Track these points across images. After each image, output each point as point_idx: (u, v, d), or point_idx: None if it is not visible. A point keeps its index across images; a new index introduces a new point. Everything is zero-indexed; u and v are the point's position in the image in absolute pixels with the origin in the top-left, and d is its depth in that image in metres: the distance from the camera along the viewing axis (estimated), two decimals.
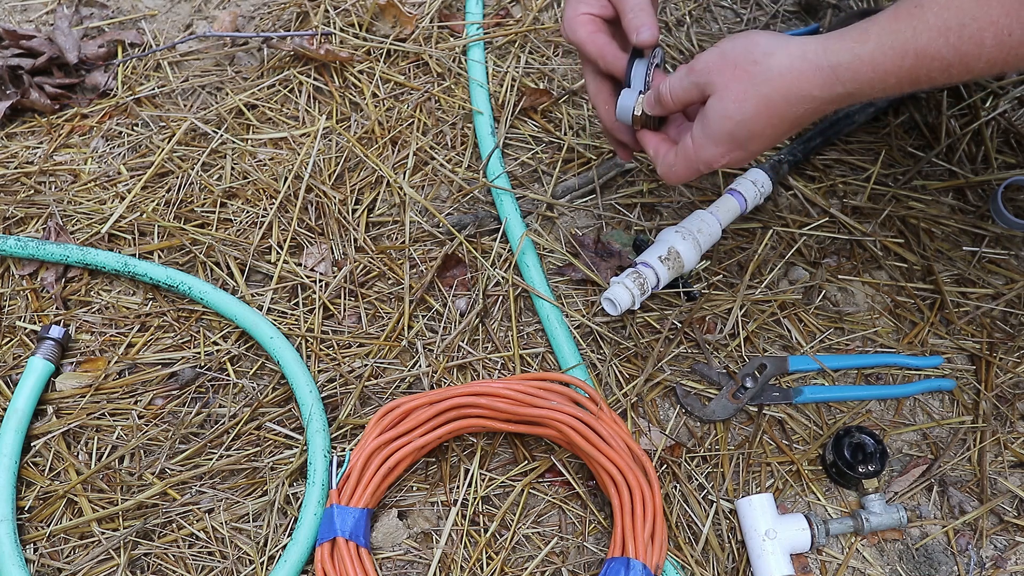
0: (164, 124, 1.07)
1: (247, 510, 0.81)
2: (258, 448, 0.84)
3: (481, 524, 0.80)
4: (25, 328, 0.92)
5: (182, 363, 0.89)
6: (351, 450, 0.81)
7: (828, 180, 0.99)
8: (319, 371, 0.88)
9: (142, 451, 0.85)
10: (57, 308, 0.93)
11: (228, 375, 0.89)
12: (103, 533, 0.80)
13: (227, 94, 1.09)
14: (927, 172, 1.00)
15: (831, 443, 0.81)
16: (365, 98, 1.07)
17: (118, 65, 1.12)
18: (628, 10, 0.73)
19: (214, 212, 0.99)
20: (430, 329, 0.91)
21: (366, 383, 0.87)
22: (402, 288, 0.93)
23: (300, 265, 0.95)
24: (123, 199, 1.00)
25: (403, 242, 0.96)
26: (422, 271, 0.94)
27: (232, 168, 1.02)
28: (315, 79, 1.09)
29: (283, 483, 0.81)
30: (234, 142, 1.04)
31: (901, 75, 0.59)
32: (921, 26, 0.57)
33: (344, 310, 0.92)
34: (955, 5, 0.56)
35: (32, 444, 0.85)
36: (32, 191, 1.02)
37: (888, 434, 0.85)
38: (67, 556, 0.80)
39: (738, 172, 0.96)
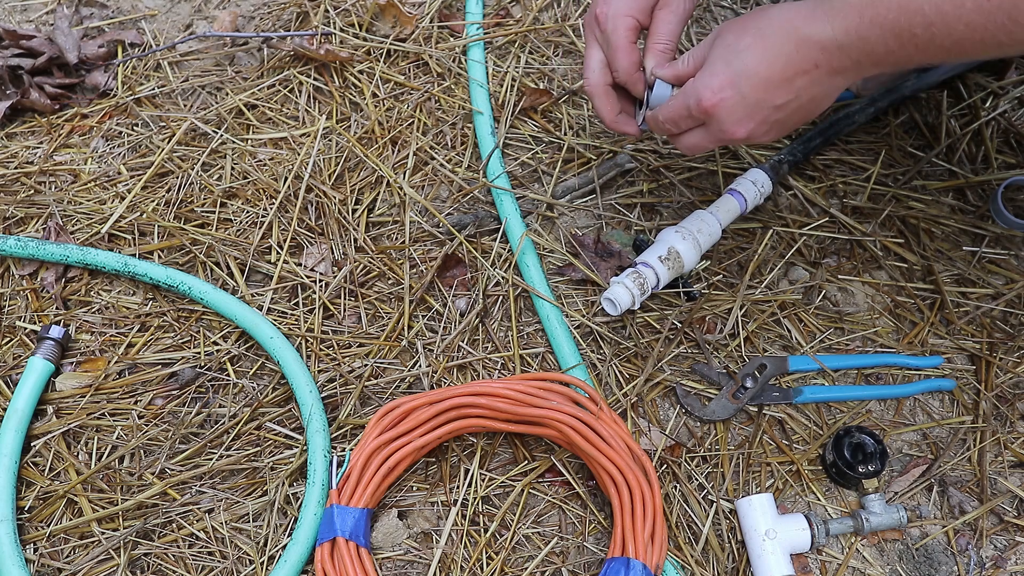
0: (164, 124, 1.07)
1: (247, 510, 0.81)
2: (258, 448, 0.84)
3: (481, 524, 0.80)
4: (25, 328, 0.92)
5: (182, 363, 0.90)
6: (351, 450, 0.81)
7: (828, 180, 0.99)
8: (319, 371, 0.88)
9: (142, 451, 0.85)
10: (57, 308, 0.93)
11: (228, 375, 0.89)
12: (103, 533, 0.80)
13: (227, 94, 1.09)
14: (927, 172, 1.00)
15: (831, 443, 0.81)
16: (365, 98, 1.07)
17: (118, 65, 1.12)
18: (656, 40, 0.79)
19: (214, 212, 0.99)
20: (430, 329, 0.91)
21: (366, 383, 0.87)
22: (402, 288, 0.93)
23: (300, 265, 0.95)
24: (123, 199, 1.00)
25: (403, 242, 0.96)
26: (422, 271, 0.94)
27: (232, 168, 1.02)
28: (315, 79, 1.09)
29: (283, 483, 0.81)
30: (234, 142, 1.04)
31: (885, 27, 0.63)
32: None
33: (344, 310, 0.92)
34: None
35: (32, 444, 0.85)
36: (32, 191, 1.02)
37: (888, 434, 0.85)
38: (67, 556, 0.80)
39: (738, 172, 0.96)
